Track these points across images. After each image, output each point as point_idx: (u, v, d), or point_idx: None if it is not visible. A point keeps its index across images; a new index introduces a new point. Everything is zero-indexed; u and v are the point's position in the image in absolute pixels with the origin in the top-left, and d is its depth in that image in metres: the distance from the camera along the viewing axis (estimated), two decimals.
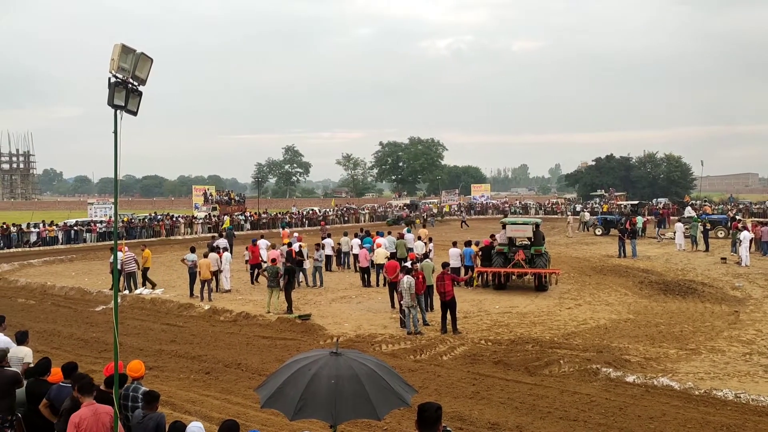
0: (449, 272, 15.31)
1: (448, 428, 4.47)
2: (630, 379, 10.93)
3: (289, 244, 22.61)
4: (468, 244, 21.78)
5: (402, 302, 14.77)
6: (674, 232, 31.98)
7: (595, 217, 44.90)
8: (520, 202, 73.75)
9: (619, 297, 18.94)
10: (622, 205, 51.18)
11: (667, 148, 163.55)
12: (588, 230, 42.87)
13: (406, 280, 14.76)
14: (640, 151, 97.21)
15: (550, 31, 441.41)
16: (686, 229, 31.07)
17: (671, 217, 46.38)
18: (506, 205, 70.15)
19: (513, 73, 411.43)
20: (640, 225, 36.19)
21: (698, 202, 59.91)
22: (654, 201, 67.34)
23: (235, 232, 38.57)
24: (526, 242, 21.02)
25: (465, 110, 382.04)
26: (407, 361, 12.45)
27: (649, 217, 45.25)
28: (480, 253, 21.32)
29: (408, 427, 8.82)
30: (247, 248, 23.95)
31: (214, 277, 19.87)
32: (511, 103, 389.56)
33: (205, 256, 19.83)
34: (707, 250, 29.55)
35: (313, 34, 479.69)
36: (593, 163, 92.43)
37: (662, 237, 35.71)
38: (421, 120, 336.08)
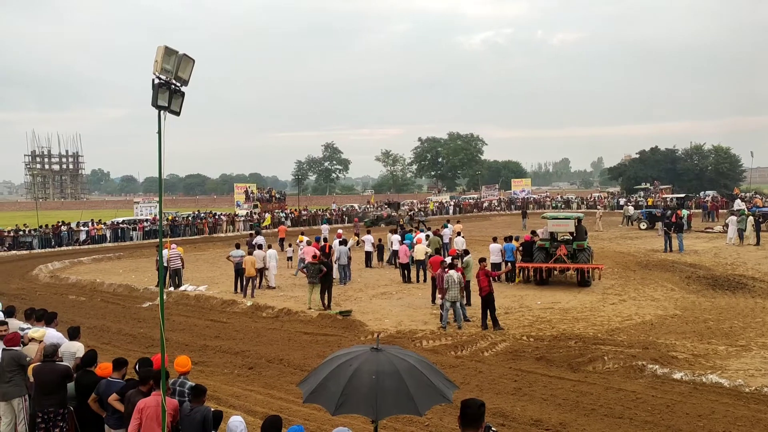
0: (484, 267, 15.22)
1: (491, 426, 4.44)
2: (677, 376, 10.69)
3: (325, 239, 22.75)
4: (509, 239, 21.58)
5: (445, 297, 14.74)
6: (723, 226, 31.04)
7: (639, 211, 43.88)
8: (561, 197, 72.61)
9: (665, 292, 18.50)
10: (668, 199, 49.94)
11: (715, 139, 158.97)
12: (632, 224, 41.96)
13: (456, 275, 14.75)
14: (686, 143, 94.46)
15: (591, 21, 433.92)
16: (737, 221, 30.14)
17: (720, 211, 45.04)
18: (548, 200, 69.16)
19: (553, 66, 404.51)
20: (685, 218, 35.23)
21: (748, 194, 57.98)
22: (701, 194, 65.51)
23: (276, 229, 39.05)
24: (568, 237, 20.71)
25: (504, 104, 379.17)
26: (448, 357, 12.42)
27: (694, 211, 44.06)
28: (521, 248, 21.10)
29: (450, 423, 8.80)
30: (290, 245, 24.23)
31: (258, 274, 20.19)
32: (551, 97, 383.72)
33: (250, 253, 20.14)
34: (758, 243, 28.61)
35: (351, 31, 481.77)
36: (637, 155, 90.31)
37: (710, 230, 34.72)
38: (460, 115, 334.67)
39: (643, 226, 39.39)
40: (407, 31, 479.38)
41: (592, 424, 8.83)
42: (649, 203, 50.50)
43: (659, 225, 37.46)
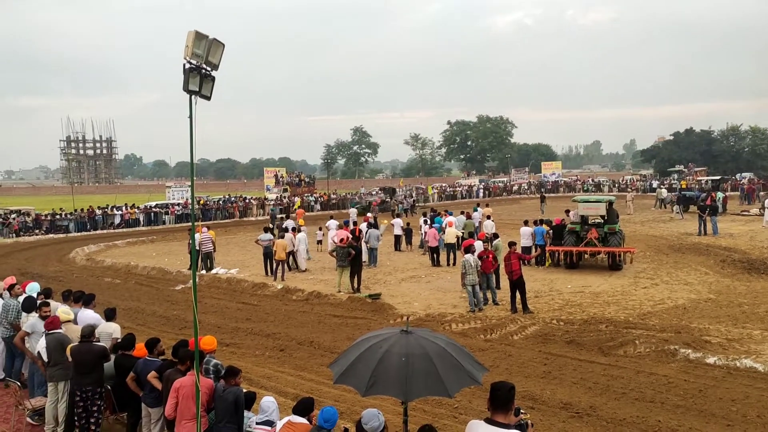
0: (516, 251, 15.14)
1: (521, 409, 4.45)
2: (711, 360, 10.54)
3: (355, 223, 22.89)
4: (538, 222, 21.42)
5: (464, 282, 14.75)
6: (760, 209, 30.31)
7: (673, 193, 43.09)
8: (592, 180, 71.66)
9: (699, 276, 18.20)
10: (702, 181, 48.94)
11: (752, 119, 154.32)
12: (665, 207, 41.26)
13: (472, 259, 14.78)
14: (722, 124, 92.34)
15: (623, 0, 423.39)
16: None
17: (761, 193, 43.99)
18: (577, 182, 68.29)
19: (584, 47, 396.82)
20: (720, 201, 34.46)
21: None
22: (738, 176, 64.01)
23: (306, 213, 39.34)
24: (599, 220, 20.47)
25: (535, 86, 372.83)
26: (477, 341, 12.42)
27: (730, 193, 43.04)
28: (551, 231, 20.93)
29: (478, 406, 8.82)
30: (319, 228, 24.43)
31: (289, 257, 20.42)
32: (582, 78, 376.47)
33: (280, 237, 20.34)
34: None
35: (380, 13, 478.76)
36: (671, 137, 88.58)
37: (746, 213, 33.95)
38: (489, 98, 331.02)
39: (676, 209, 38.69)
40: (436, 13, 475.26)
41: (623, 408, 8.77)
42: (683, 186, 49.56)
43: (676, 207, 36.82)
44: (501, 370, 10.43)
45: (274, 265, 19.72)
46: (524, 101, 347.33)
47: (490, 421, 4.16)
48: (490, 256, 15.50)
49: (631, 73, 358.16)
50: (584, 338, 12.05)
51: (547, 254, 20.66)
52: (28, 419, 8.62)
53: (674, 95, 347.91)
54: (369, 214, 27.04)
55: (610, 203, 20.61)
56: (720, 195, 36.02)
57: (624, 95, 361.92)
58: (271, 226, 26.05)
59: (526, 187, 67.46)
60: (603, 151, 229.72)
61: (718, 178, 46.76)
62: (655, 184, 58.91)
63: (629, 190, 52.05)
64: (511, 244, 15.48)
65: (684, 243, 24.69)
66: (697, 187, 46.09)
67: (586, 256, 20.28)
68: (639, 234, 27.81)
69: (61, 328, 8.21)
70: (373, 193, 52.07)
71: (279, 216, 37.51)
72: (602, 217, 20.32)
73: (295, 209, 39.53)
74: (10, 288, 10.29)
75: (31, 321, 8.67)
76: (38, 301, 9.43)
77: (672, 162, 76.42)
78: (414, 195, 54.98)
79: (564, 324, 13.25)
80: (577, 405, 8.91)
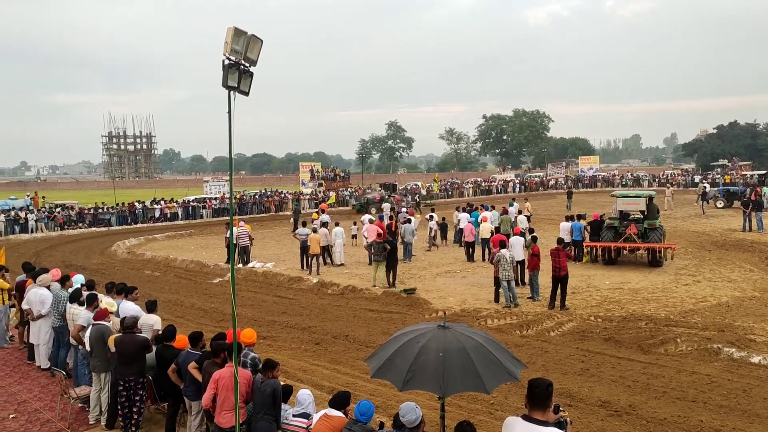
0: (563, 247, 14.98)
1: (560, 406, 4.38)
2: (755, 359, 10.27)
3: (390, 218, 22.90)
4: (575, 218, 21.15)
5: (499, 275, 14.64)
6: None
7: (716, 188, 41.96)
8: (631, 174, 70.26)
9: (743, 273, 17.72)
10: (747, 176, 47.55)
11: None
12: (708, 203, 40.21)
13: (507, 254, 14.68)
14: None
15: None
16: None
17: None
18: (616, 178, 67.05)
19: (623, 38, 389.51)
20: (765, 196, 33.41)
21: None
22: None
23: (340, 207, 39.51)
24: (638, 215, 20.07)
25: (572, 80, 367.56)
26: (513, 337, 12.32)
27: None
28: (589, 227, 20.61)
29: (515, 402, 8.76)
30: (354, 223, 24.56)
31: (324, 252, 20.55)
32: (621, 71, 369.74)
33: (315, 231, 20.47)
34: None
35: (415, 6, 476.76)
36: (714, 130, 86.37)
37: None
38: (525, 91, 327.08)
39: (720, 204, 37.70)
40: (472, 6, 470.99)
41: (664, 407, 8.60)
42: (726, 180, 48.25)
43: (700, 200, 35.73)
44: (537, 366, 10.33)
45: (309, 259, 19.87)
46: (561, 95, 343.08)
47: (528, 418, 4.11)
48: (536, 251, 15.28)
49: (673, 64, 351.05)
50: (623, 335, 11.86)
51: (585, 250, 20.36)
52: (80, 405, 8.88)
53: (717, 88, 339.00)
54: (404, 209, 26.97)
55: (650, 198, 20.18)
56: (765, 190, 34.92)
57: (665, 88, 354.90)
58: (292, 221, 26.27)
59: (562, 182, 66.45)
60: (642, 145, 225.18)
61: (763, 172, 45.27)
62: (697, 179, 57.51)
63: (669, 185, 50.80)
64: (560, 241, 15.51)
65: (728, 239, 24.06)
66: (741, 181, 44.83)
67: (624, 252, 19.92)
68: (680, 230, 27.20)
69: (109, 321, 8.41)
70: (373, 189, 48.27)
71: (302, 211, 37.63)
72: (642, 212, 19.91)
73: (329, 204, 39.78)
74: (63, 281, 10.54)
75: (84, 314, 8.90)
76: (85, 293, 9.66)
77: (715, 156, 74.52)
78: (417, 192, 51.37)
79: (602, 321, 13.05)
80: (616, 403, 8.77)
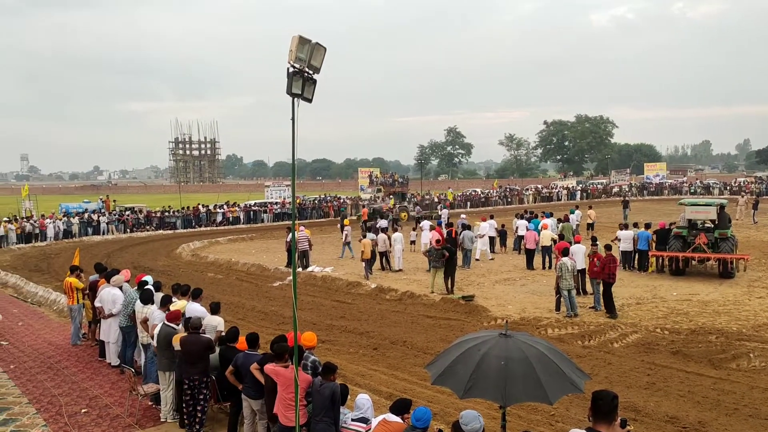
0: (612, 254, 14.95)
1: (627, 421, 4.25)
2: None
3: (450, 224, 22.83)
4: (628, 226, 20.68)
5: (560, 284, 14.36)
6: None
7: None
8: (701, 182, 67.69)
9: None
10: None
11: None
12: None
13: (569, 263, 14.41)
14: None
15: None
16: None
17: None
18: (684, 185, 64.72)
19: (691, 41, 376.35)
20: None
21: None
22: None
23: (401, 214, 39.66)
24: (708, 225, 19.29)
25: (637, 84, 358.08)
26: (575, 347, 12.03)
27: None
28: (654, 236, 19.97)
29: (577, 414, 8.54)
30: (413, 229, 24.67)
31: (383, 257, 20.71)
32: (689, 75, 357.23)
33: (364, 236, 20.74)
34: None
35: (477, 12, 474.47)
36: None
37: None
38: (588, 96, 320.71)
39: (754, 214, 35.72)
40: (535, 11, 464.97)
41: (735, 425, 8.22)
42: None
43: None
44: (600, 378, 10.05)
45: (364, 264, 20.03)
46: (626, 100, 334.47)
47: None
48: (599, 259, 14.93)
49: (745, 68, 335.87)
50: (692, 349, 11.41)
51: (651, 259, 19.72)
52: (150, 402, 9.19)
53: None
54: (463, 215, 26.74)
55: (722, 207, 19.35)
56: None
57: (737, 92, 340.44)
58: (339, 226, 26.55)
59: (626, 189, 64.61)
60: (713, 151, 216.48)
61: None
62: None
63: (743, 193, 48.57)
64: (608, 248, 15.20)
65: None
66: None
67: (693, 262, 19.19)
68: (754, 240, 26.02)
69: (178, 324, 8.66)
70: (380, 198, 44.44)
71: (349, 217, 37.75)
72: (712, 221, 19.13)
73: (387, 209, 39.88)
74: (141, 285, 10.86)
75: (158, 314, 9.21)
76: (161, 294, 9.97)
77: None
78: (430, 201, 47.17)
79: (669, 333, 12.60)
80: (684, 419, 8.44)
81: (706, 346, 11.57)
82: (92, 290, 12.33)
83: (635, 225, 20.66)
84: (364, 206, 40.69)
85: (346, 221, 27.86)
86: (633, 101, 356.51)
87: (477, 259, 22.65)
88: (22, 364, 11.80)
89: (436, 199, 49.88)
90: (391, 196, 44.89)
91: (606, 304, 14.39)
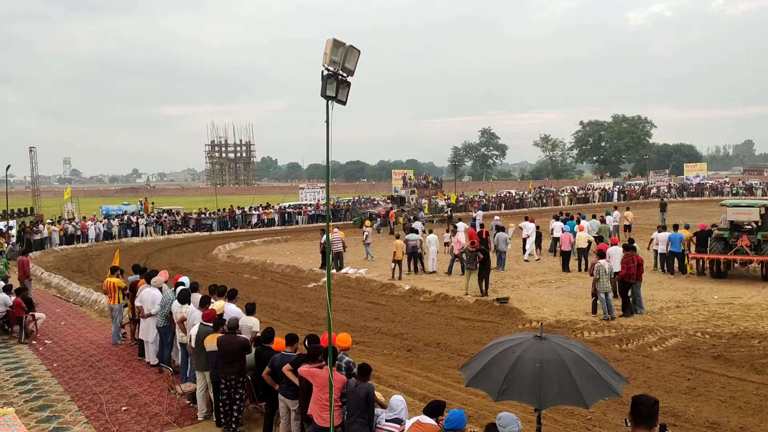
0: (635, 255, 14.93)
1: (666, 426, 4.16)
2: None
3: (482, 225, 22.73)
4: (665, 228, 20.26)
5: (597, 287, 14.17)
6: None
7: None
8: (743, 183, 65.91)
9: None
10: None
11: None
12: None
13: (606, 265, 14.23)
14: None
15: None
16: None
17: None
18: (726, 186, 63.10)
19: (731, 39, 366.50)
20: None
21: None
22: None
23: (430, 214, 39.56)
24: (751, 226, 18.77)
25: (675, 83, 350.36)
26: (612, 350, 11.85)
27: None
28: (694, 238, 19.53)
29: (614, 419, 8.41)
30: (447, 231, 24.63)
31: (417, 259, 20.76)
32: (731, 73, 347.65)
33: (397, 237, 20.80)
34: None
35: (513, 10, 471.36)
36: None
37: None
38: (625, 96, 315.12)
39: None
40: (571, 10, 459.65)
41: None
42: None
43: None
44: (639, 382, 9.87)
45: (392, 265, 20.03)
46: (665, 99, 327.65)
47: None
48: (636, 260, 14.75)
49: None
50: (734, 353, 11.14)
51: (691, 262, 19.30)
52: (187, 401, 9.36)
53: None
54: (497, 217, 26.59)
55: (765, 208, 18.82)
56: None
57: None
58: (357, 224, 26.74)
59: (665, 190, 63.27)
60: (756, 151, 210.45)
61: None
62: None
63: None
64: (626, 247, 15.40)
65: None
66: None
67: (735, 265, 18.71)
68: None
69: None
70: (380, 201, 44.23)
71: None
72: (755, 223, 18.62)
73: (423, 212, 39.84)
74: (177, 286, 11.08)
75: (197, 314, 9.37)
76: (199, 295, 10.15)
77: None
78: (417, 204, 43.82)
79: (710, 337, 12.31)
80: (725, 425, 8.24)
81: (748, 350, 11.28)
82: (132, 290, 12.61)
83: (675, 227, 20.24)
84: (391, 209, 40.55)
85: (367, 222, 28.05)
86: (672, 101, 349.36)
87: (525, 260, 22.98)
88: (64, 363, 12.13)
89: (441, 203, 48.51)
90: (424, 200, 44.38)
91: (623, 302, 14.48)
